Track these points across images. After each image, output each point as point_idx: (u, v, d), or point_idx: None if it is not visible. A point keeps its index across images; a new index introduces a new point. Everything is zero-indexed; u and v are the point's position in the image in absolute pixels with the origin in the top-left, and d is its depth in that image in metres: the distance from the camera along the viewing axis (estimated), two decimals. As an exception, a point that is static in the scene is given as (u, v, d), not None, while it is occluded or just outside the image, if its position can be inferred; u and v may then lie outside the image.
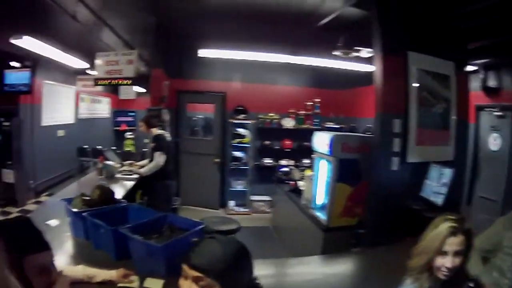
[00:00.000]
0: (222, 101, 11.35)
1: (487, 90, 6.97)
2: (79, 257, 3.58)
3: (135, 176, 7.62)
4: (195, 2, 6.84)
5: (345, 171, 6.27)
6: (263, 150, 11.33)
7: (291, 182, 8.96)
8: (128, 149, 11.93)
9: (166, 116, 9.13)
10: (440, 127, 5.85)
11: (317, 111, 11.23)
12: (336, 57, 7.66)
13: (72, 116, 12.48)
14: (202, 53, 8.79)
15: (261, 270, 2.42)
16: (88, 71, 9.99)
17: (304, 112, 11.25)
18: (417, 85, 5.53)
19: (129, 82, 7.40)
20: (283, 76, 11.36)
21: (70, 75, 11.36)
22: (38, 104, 10.04)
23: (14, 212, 8.81)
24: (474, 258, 2.71)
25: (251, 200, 11.26)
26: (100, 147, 9.69)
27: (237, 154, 11.18)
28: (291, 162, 10.97)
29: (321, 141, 6.75)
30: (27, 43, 6.33)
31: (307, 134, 8.58)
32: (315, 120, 11.21)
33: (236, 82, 11.29)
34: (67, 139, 11.64)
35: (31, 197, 9.74)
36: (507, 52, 6.14)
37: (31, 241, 2.17)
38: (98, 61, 7.45)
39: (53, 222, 4.44)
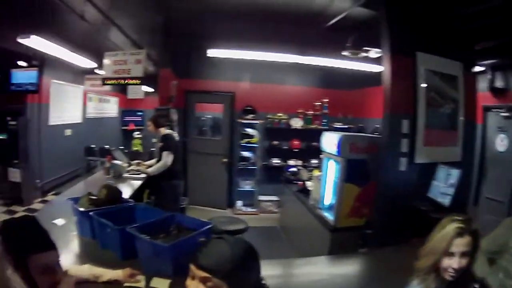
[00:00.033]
0: (231, 101, 11.34)
1: (494, 90, 6.92)
2: (85, 256, 3.57)
3: (143, 175, 7.59)
4: (204, 1, 6.83)
5: (353, 172, 6.25)
6: (271, 150, 11.30)
7: (299, 182, 8.95)
8: (136, 148, 11.92)
9: (174, 115, 9.16)
10: (448, 128, 5.83)
11: (326, 111, 11.19)
12: (344, 57, 7.62)
13: (80, 116, 12.53)
14: (211, 53, 8.73)
15: (268, 270, 2.41)
16: (96, 71, 9.99)
17: (312, 112, 11.22)
18: (425, 85, 5.51)
19: (137, 81, 7.37)
20: (291, 76, 11.35)
21: (78, 75, 11.40)
22: (45, 104, 10.05)
23: (20, 211, 8.84)
24: (480, 259, 2.70)
25: (259, 200, 11.24)
26: (107, 146, 9.69)
27: (245, 154, 11.18)
28: (299, 162, 10.94)
29: (330, 141, 6.74)
30: (35, 42, 6.32)
31: (316, 134, 8.48)
32: (323, 120, 11.16)
33: (244, 82, 11.29)
34: (75, 139, 11.70)
35: (37, 196, 9.77)
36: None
37: (36, 241, 2.16)
38: (106, 61, 7.44)
39: (59, 221, 4.44)
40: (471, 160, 6.35)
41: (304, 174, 9.36)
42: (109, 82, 7.62)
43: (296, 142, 11.16)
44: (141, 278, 3.05)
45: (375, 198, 5.87)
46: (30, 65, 9.15)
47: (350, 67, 8.90)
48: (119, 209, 4.16)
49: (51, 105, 10.37)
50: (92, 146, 10.56)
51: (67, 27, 6.94)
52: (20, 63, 9.21)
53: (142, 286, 2.98)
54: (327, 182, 6.97)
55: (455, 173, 5.24)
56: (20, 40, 6.17)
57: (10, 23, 6.34)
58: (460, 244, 2.29)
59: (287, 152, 11.17)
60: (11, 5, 5.86)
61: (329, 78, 10.91)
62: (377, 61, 7.02)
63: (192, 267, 1.69)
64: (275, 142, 11.26)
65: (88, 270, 2.98)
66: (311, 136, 10.53)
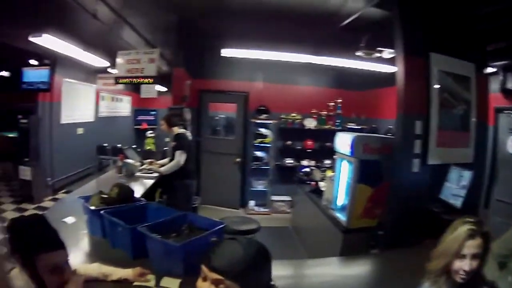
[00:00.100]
0: (244, 101, 11.33)
1: (506, 92, 6.87)
2: (95, 255, 3.57)
3: (155, 174, 7.60)
4: (218, 1, 6.80)
5: (366, 172, 6.23)
6: (285, 150, 11.28)
7: (312, 182, 8.95)
8: (149, 147, 12.00)
9: (187, 115, 9.15)
10: (460, 129, 5.78)
11: (339, 111, 11.15)
12: (358, 58, 7.61)
13: (92, 114, 12.61)
14: (225, 52, 8.69)
15: (280, 270, 2.39)
16: (109, 70, 10.03)
17: (326, 112, 11.18)
18: (438, 86, 5.46)
19: (151, 81, 7.37)
20: (305, 77, 11.34)
21: (90, 74, 11.49)
22: (57, 102, 10.11)
23: (30, 208, 8.92)
24: (491, 262, 2.67)
25: (272, 200, 11.23)
26: (120, 145, 9.74)
27: (259, 154, 11.18)
28: (312, 163, 10.93)
29: (343, 141, 6.72)
30: (47, 41, 6.34)
31: (329, 135, 8.48)
32: (337, 121, 11.12)
33: (258, 82, 11.27)
34: (87, 137, 11.82)
35: (48, 194, 9.86)
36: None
37: (44, 240, 2.16)
38: (119, 60, 7.46)
39: (69, 220, 4.45)
40: (483, 161, 6.30)
41: (317, 174, 9.35)
42: (122, 81, 7.63)
43: (309, 143, 11.13)
44: (151, 277, 3.05)
45: (388, 199, 5.82)
46: (42, 64, 9.20)
47: (363, 68, 8.85)
48: (130, 208, 4.17)
49: (63, 104, 10.47)
50: (104, 144, 10.63)
51: (80, 26, 6.98)
52: (32, 61, 9.25)
53: (152, 285, 2.97)
54: (340, 182, 6.95)
55: (467, 175, 5.23)
56: (32, 39, 6.20)
57: (22, 22, 6.37)
58: (472, 246, 2.29)
59: (301, 152, 11.15)
60: (24, 4, 5.88)
61: (342, 78, 10.92)
62: (390, 61, 6.97)
63: (204, 268, 1.68)
64: (289, 142, 11.23)
65: (97, 269, 2.98)
66: (324, 137, 10.52)
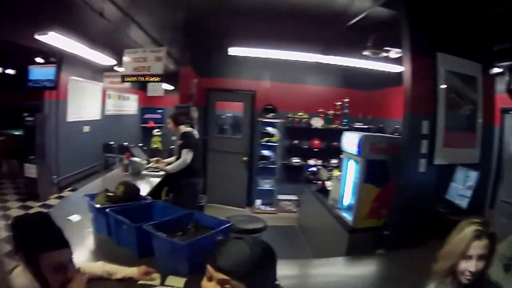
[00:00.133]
0: (251, 99, 11.33)
1: (511, 92, 6.86)
2: (100, 253, 3.57)
3: (162, 173, 7.60)
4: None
5: (372, 172, 6.21)
6: (291, 149, 11.28)
7: (318, 182, 8.93)
8: (156, 146, 12.02)
9: (194, 113, 9.19)
10: (466, 129, 5.77)
11: (346, 111, 11.14)
12: (365, 57, 7.60)
13: (99, 113, 12.63)
14: (232, 51, 8.67)
15: (285, 270, 2.39)
16: (116, 68, 10.05)
17: (333, 112, 11.17)
18: (445, 86, 5.45)
19: (157, 79, 7.40)
20: (312, 76, 11.32)
21: (97, 72, 11.52)
22: (63, 100, 10.14)
23: (35, 206, 8.94)
24: (496, 264, 2.68)
25: (278, 199, 11.22)
26: (126, 143, 9.76)
27: (265, 153, 11.17)
28: (319, 162, 10.92)
29: (350, 141, 6.70)
30: (53, 39, 6.35)
31: (336, 134, 8.58)
32: (344, 120, 11.11)
33: (265, 81, 11.28)
34: (93, 135, 11.88)
35: (54, 192, 9.89)
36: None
37: (48, 238, 2.15)
38: (126, 58, 7.51)
39: (74, 218, 4.45)
40: (489, 162, 6.28)
41: (324, 173, 9.33)
42: (128, 79, 7.65)
43: (316, 142, 11.13)
44: (156, 276, 3.04)
45: (394, 199, 5.81)
46: (48, 62, 9.21)
47: (370, 67, 8.81)
48: (136, 206, 4.17)
49: (69, 102, 10.50)
50: (111, 143, 10.66)
51: (86, 24, 6.97)
52: (38, 59, 9.26)
53: (157, 284, 2.97)
54: (346, 182, 6.94)
55: (473, 175, 5.22)
56: (38, 37, 6.20)
57: (28, 20, 6.37)
58: (478, 246, 2.30)
59: (307, 152, 11.15)
60: (30, 2, 5.88)
61: (349, 78, 10.89)
62: (397, 61, 6.96)
63: (210, 268, 1.66)
64: (295, 141, 11.23)
65: (101, 267, 2.97)
66: (331, 136, 10.53)
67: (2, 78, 12.52)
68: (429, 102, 5.37)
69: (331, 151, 10.50)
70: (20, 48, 8.32)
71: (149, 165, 8.12)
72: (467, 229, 2.34)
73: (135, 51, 7.54)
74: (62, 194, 10.09)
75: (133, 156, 8.16)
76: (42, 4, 5.86)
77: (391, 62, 7.85)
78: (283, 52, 8.58)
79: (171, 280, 3.01)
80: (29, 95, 9.90)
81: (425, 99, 5.37)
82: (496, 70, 6.27)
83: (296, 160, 11.16)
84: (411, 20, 5.37)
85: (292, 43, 8.27)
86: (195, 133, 7.77)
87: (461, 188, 5.33)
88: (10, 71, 12.37)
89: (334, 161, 10.26)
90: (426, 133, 5.35)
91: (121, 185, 4.45)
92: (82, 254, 3.44)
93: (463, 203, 5.18)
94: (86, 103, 11.92)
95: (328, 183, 8.24)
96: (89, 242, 3.91)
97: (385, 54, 7.12)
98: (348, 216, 6.56)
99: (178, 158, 7.39)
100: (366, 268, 4.69)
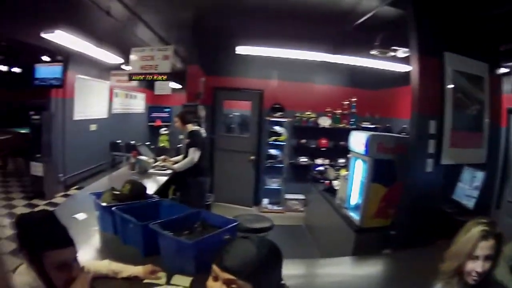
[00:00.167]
0: (259, 98, 11.31)
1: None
2: (106, 252, 3.58)
3: (169, 171, 7.62)
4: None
5: (380, 171, 6.19)
6: (299, 149, 11.26)
7: (326, 181, 8.89)
8: (163, 144, 12.06)
9: (202, 112, 9.23)
10: (473, 129, 5.75)
11: (354, 110, 11.13)
12: (372, 57, 7.59)
13: (106, 111, 12.67)
14: (240, 50, 8.66)
15: (292, 270, 2.38)
16: (123, 66, 10.06)
17: (340, 111, 11.15)
18: (452, 86, 5.43)
19: (164, 77, 7.44)
20: (320, 75, 11.27)
21: (104, 70, 11.54)
22: (70, 98, 10.16)
23: (41, 204, 8.98)
24: (502, 266, 2.67)
25: (285, 199, 11.20)
26: (133, 142, 9.76)
27: (273, 152, 11.17)
28: (327, 161, 10.91)
29: (357, 140, 6.69)
30: (59, 37, 6.36)
31: (343, 134, 8.63)
32: (351, 120, 11.08)
33: (273, 80, 11.27)
34: (100, 134, 11.95)
35: (60, 190, 9.92)
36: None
37: (52, 237, 2.15)
38: (133, 56, 7.54)
39: (80, 216, 4.46)
40: (495, 162, 6.27)
41: (331, 173, 9.30)
42: (135, 77, 7.70)
43: (323, 141, 11.11)
44: (162, 275, 3.04)
45: (401, 199, 5.81)
46: (54, 60, 9.23)
47: (378, 67, 8.79)
48: (142, 205, 4.16)
49: (75, 100, 10.53)
50: (118, 141, 10.66)
51: (93, 23, 6.99)
52: (44, 58, 9.28)
53: (163, 283, 2.96)
54: (353, 181, 6.93)
55: (480, 176, 5.22)
56: (44, 35, 6.20)
57: (34, 18, 6.37)
58: (485, 247, 2.30)
59: (315, 151, 11.15)
60: (36, 1, 5.89)
61: (357, 77, 10.85)
62: (405, 60, 6.96)
63: (216, 268, 1.64)
64: (303, 141, 11.22)
65: (107, 266, 2.97)
66: (339, 135, 10.55)
67: (8, 76, 12.58)
68: (437, 102, 5.36)
69: (339, 150, 10.52)
70: (26, 47, 8.35)
71: (156, 163, 8.13)
72: (474, 230, 2.34)
73: (142, 49, 7.56)
74: (68, 193, 10.13)
75: (140, 154, 8.18)
76: (48, 2, 5.87)
77: (398, 62, 7.83)
78: (291, 51, 8.56)
79: (177, 279, 3.00)
80: (35, 94, 9.95)
81: (433, 99, 5.37)
82: (502, 70, 6.26)
83: (303, 159, 11.15)
84: (418, 19, 5.36)
85: (300, 42, 8.26)
86: (203, 131, 7.76)
87: (468, 188, 5.33)
88: (16, 70, 12.40)
89: (341, 160, 10.27)
90: (433, 133, 5.35)
91: (127, 183, 4.45)
92: (88, 253, 3.45)
93: (470, 203, 5.17)
94: (93, 101, 11.97)
95: (335, 183, 8.23)
96: (95, 240, 3.91)
97: (392, 54, 7.12)
98: (355, 216, 6.54)
99: (185, 157, 7.39)
100: (372, 268, 4.70)
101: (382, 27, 6.84)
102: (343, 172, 8.08)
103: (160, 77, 7.43)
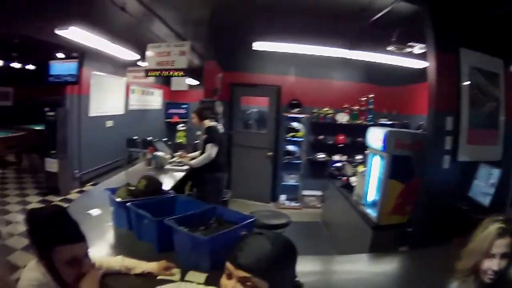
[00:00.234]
0: (277, 94, 11.33)
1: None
2: (120, 247, 3.60)
3: (186, 167, 7.65)
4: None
5: (397, 168, 6.16)
6: (316, 145, 11.28)
7: (343, 177, 8.87)
8: (180, 140, 12.07)
9: (219, 108, 9.27)
10: (489, 126, 5.70)
11: (371, 106, 11.09)
12: (390, 53, 7.55)
13: (122, 107, 12.73)
14: (257, 46, 8.63)
15: (308, 266, 2.36)
16: (139, 63, 10.09)
17: (358, 107, 11.12)
18: (469, 83, 5.40)
19: (181, 73, 7.44)
20: (337, 71, 11.32)
21: (119, 67, 11.60)
22: (85, 95, 10.23)
23: (56, 201, 9.08)
24: None
25: (303, 195, 11.23)
26: (150, 138, 9.79)
27: (290, 148, 11.17)
28: (344, 158, 10.86)
29: (375, 136, 6.66)
30: (74, 34, 6.37)
31: (361, 130, 8.48)
32: (369, 116, 11.07)
33: (290, 76, 11.29)
34: (116, 130, 12.05)
35: (75, 187, 9.98)
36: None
37: (63, 232, 2.16)
38: (149, 52, 7.54)
39: (94, 212, 4.47)
40: (511, 160, 6.23)
41: (349, 169, 9.27)
42: (152, 73, 7.68)
43: (341, 137, 11.10)
44: (176, 271, 3.02)
45: (418, 195, 5.79)
46: (69, 57, 9.27)
47: (395, 63, 8.77)
48: (158, 201, 4.16)
49: (91, 97, 10.62)
50: (134, 137, 10.68)
51: (108, 19, 7.02)
52: (59, 55, 9.31)
53: (177, 279, 2.93)
54: (371, 178, 6.91)
55: (496, 173, 5.18)
56: (58, 32, 6.21)
57: (48, 15, 6.38)
58: (501, 245, 2.29)
59: (332, 147, 11.13)
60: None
61: (374, 73, 10.82)
62: (421, 56, 6.95)
63: (230, 266, 1.63)
64: (320, 137, 11.25)
65: (120, 262, 2.96)
66: (356, 132, 10.49)
67: (23, 73, 12.66)
68: (453, 98, 5.33)
69: (356, 146, 10.45)
70: (40, 44, 8.36)
71: (173, 159, 8.17)
72: (491, 227, 2.34)
73: (158, 45, 7.57)
74: (83, 189, 10.19)
75: (157, 150, 8.21)
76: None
77: (415, 58, 7.81)
78: (307, 47, 8.55)
79: (192, 275, 2.99)
80: (50, 90, 9.99)
81: (449, 96, 5.33)
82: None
83: (321, 156, 11.14)
84: (434, 15, 5.32)
85: (317, 38, 8.25)
86: (220, 127, 7.76)
87: (484, 185, 5.28)
88: (30, 67, 12.47)
89: (359, 156, 10.14)
90: (450, 129, 5.32)
91: (143, 179, 4.46)
92: (102, 248, 3.46)
93: (486, 201, 5.13)
94: (109, 98, 12.07)
95: (352, 179, 8.22)
96: (109, 236, 3.92)
97: (409, 50, 7.08)
98: (372, 212, 6.52)
99: (202, 153, 7.41)
100: (389, 266, 4.65)
101: (399, 23, 6.82)
102: (360, 169, 8.02)
103: (176, 73, 7.44)
